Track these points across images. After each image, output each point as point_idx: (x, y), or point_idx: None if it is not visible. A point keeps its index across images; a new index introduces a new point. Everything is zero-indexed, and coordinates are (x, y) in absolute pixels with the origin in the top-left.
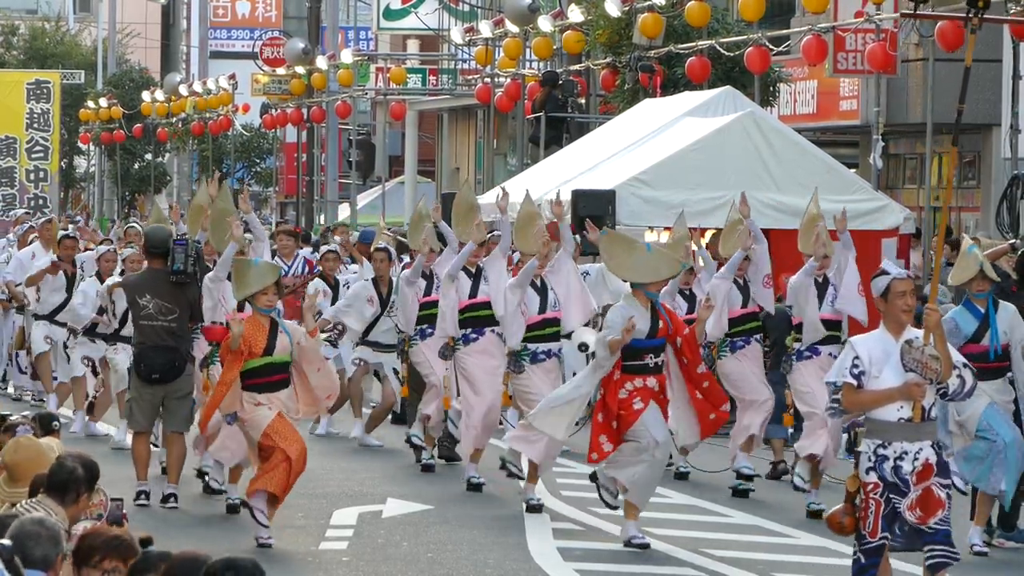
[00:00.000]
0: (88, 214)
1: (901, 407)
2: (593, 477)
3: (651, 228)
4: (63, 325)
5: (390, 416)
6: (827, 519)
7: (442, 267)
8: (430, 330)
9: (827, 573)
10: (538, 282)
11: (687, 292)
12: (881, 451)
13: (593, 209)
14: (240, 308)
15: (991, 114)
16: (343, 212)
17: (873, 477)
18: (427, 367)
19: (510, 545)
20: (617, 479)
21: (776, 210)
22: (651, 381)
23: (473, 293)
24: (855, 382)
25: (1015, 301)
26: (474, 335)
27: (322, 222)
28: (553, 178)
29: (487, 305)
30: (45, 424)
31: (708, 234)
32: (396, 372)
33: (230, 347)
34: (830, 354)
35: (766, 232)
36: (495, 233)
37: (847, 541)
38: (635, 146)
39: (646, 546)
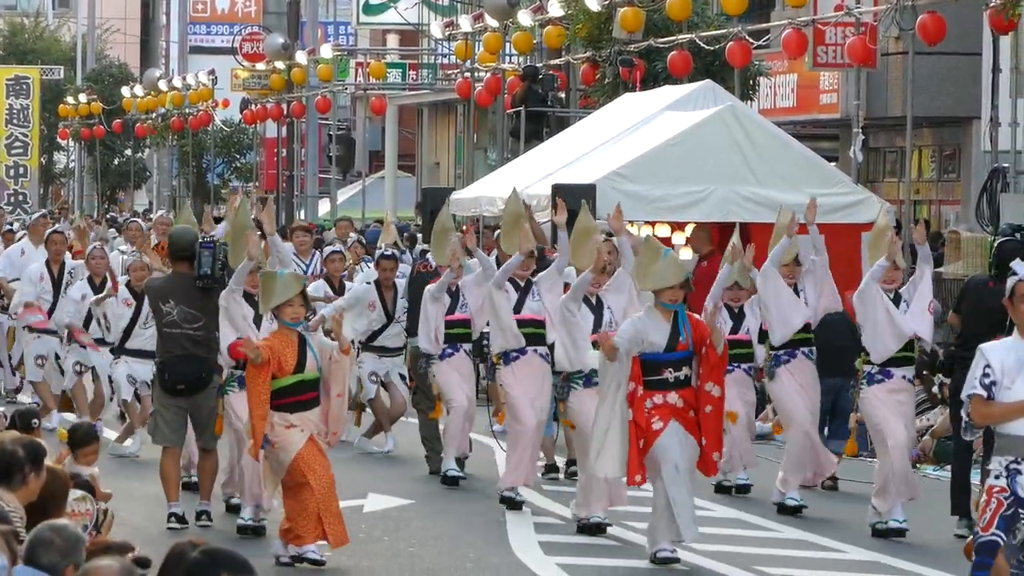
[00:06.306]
0: (67, 210)
1: None
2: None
3: (631, 222)
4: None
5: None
6: (965, 550)
7: (469, 287)
8: (450, 351)
9: (809, 566)
10: (593, 300)
11: (736, 309)
12: (1014, 466)
13: (573, 203)
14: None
15: (971, 107)
16: (323, 207)
17: (1002, 482)
18: (448, 391)
19: (492, 539)
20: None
21: (756, 203)
22: (672, 397)
23: (518, 309)
24: (985, 393)
25: (992, 295)
26: (515, 354)
27: (302, 217)
28: (533, 172)
29: (531, 323)
30: (25, 422)
31: (688, 228)
32: (403, 377)
33: (253, 363)
34: (904, 376)
35: (745, 226)
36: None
37: (829, 535)
38: (615, 140)
39: (675, 560)
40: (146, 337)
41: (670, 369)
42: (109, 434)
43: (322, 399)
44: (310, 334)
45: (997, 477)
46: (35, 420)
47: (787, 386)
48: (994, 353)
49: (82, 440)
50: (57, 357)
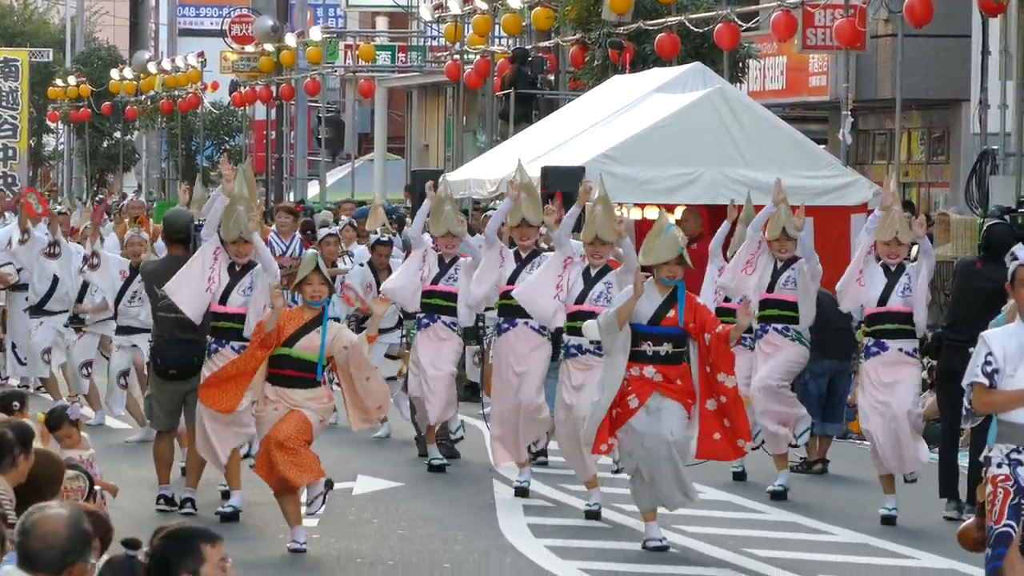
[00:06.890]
0: (56, 192)
1: None
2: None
3: (621, 204)
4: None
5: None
6: (959, 535)
7: (464, 268)
8: (426, 320)
9: (798, 548)
10: (592, 272)
11: None
12: (1015, 455)
13: (563, 186)
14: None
15: (960, 89)
16: (312, 190)
17: (1005, 470)
18: (417, 367)
19: (481, 521)
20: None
21: (745, 186)
22: (649, 370)
23: (513, 279)
24: (987, 381)
25: (980, 277)
26: (506, 324)
27: (291, 199)
28: (522, 155)
29: None
30: (5, 405)
31: (678, 210)
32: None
33: (264, 329)
34: (900, 349)
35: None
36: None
37: (818, 517)
38: (604, 122)
39: (664, 548)
40: (131, 316)
41: (649, 342)
42: (111, 422)
43: (346, 390)
44: (332, 323)
45: (999, 465)
46: (15, 403)
47: (752, 362)
48: (996, 340)
49: (56, 423)
50: (62, 337)
